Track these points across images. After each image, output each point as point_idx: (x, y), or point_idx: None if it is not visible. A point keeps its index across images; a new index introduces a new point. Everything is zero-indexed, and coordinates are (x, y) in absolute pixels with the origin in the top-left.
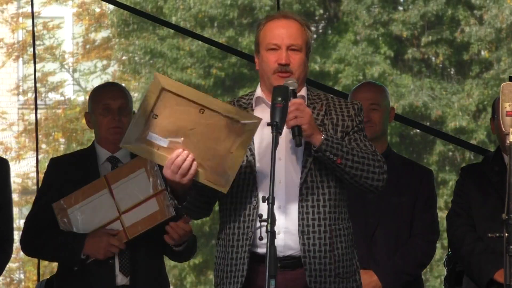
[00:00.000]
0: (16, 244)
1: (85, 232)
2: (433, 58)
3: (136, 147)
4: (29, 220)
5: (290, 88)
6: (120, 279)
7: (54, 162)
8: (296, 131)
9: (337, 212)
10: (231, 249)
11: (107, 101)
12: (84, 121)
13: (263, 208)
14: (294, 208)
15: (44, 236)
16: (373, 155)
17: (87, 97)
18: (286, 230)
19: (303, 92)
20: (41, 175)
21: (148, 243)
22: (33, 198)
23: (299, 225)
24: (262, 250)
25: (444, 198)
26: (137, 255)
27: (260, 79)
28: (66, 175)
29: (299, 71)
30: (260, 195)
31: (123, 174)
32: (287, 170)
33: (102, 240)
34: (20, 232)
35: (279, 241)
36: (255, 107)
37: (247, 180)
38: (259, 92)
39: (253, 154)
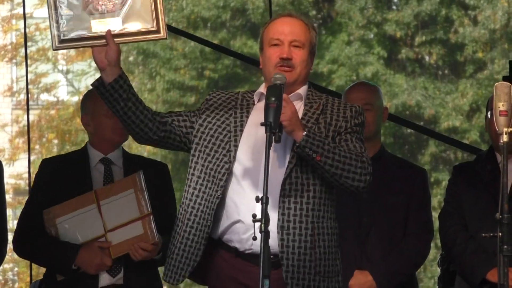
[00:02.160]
0: (10, 245)
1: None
2: (427, 58)
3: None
4: (21, 220)
5: (278, 82)
6: (108, 279)
7: (46, 164)
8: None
9: (322, 211)
10: (190, 229)
11: None
12: (78, 121)
13: (234, 196)
14: (275, 203)
15: (38, 242)
16: (358, 156)
17: (81, 98)
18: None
19: (301, 90)
20: (34, 176)
21: None
22: (26, 199)
23: (278, 219)
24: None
25: (437, 197)
26: (127, 256)
27: (263, 77)
28: (58, 177)
29: (300, 67)
30: (231, 182)
31: (113, 191)
32: (272, 165)
33: (97, 255)
34: (14, 233)
35: (259, 236)
36: (257, 103)
37: (221, 163)
38: (262, 88)
39: (236, 146)
